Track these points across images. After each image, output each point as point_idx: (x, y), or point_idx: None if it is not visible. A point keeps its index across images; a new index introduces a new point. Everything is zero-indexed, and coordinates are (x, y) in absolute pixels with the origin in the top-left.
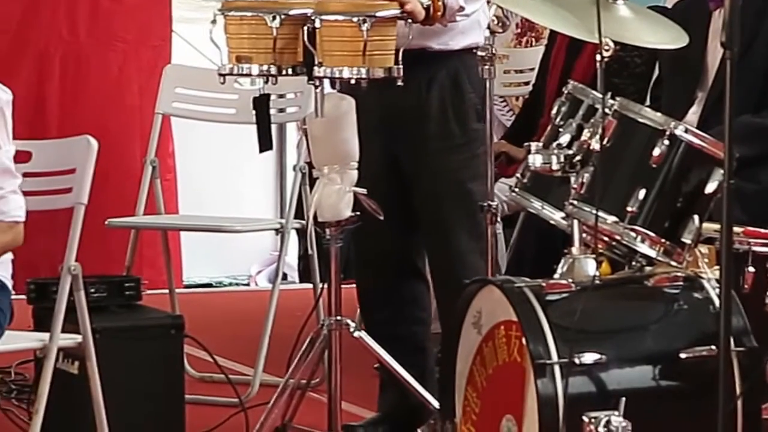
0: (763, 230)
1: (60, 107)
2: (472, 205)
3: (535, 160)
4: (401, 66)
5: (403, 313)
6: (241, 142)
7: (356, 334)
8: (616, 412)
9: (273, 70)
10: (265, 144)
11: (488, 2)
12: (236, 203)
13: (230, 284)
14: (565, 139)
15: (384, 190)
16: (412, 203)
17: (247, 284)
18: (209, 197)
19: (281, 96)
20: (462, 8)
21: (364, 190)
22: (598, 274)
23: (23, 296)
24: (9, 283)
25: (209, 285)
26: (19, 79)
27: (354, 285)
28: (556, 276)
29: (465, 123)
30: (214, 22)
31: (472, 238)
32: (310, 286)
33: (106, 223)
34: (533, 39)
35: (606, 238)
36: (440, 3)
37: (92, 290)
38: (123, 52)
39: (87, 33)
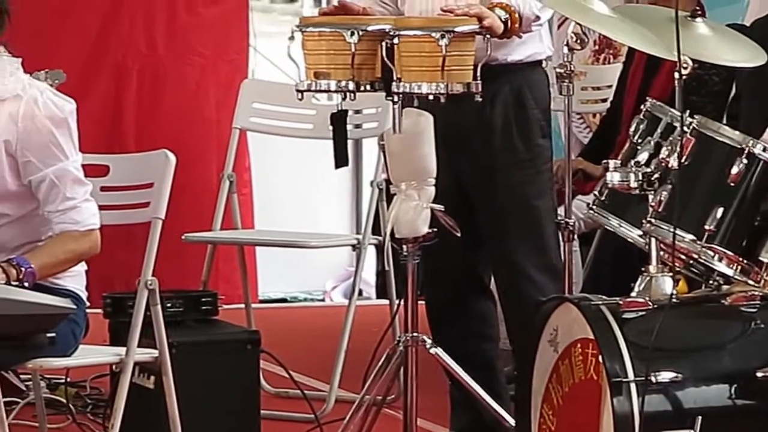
0: None
1: (137, 121)
2: (537, 221)
3: (613, 178)
4: (479, 81)
5: (471, 330)
6: (316, 157)
7: (432, 350)
8: (692, 431)
9: (351, 86)
10: (341, 160)
11: (566, 19)
12: (310, 218)
13: (305, 299)
14: (643, 156)
15: (451, 206)
16: (477, 219)
17: (322, 299)
18: (283, 212)
19: (357, 112)
20: (538, 17)
21: (441, 207)
22: (675, 292)
23: (99, 310)
24: (84, 296)
25: (284, 300)
26: (97, 92)
27: None
28: (633, 294)
29: (529, 139)
30: (291, 38)
31: (537, 254)
32: (386, 302)
33: (182, 237)
34: (611, 56)
35: (683, 257)
36: (517, 15)
37: (169, 305)
38: (200, 66)
39: (165, 46)
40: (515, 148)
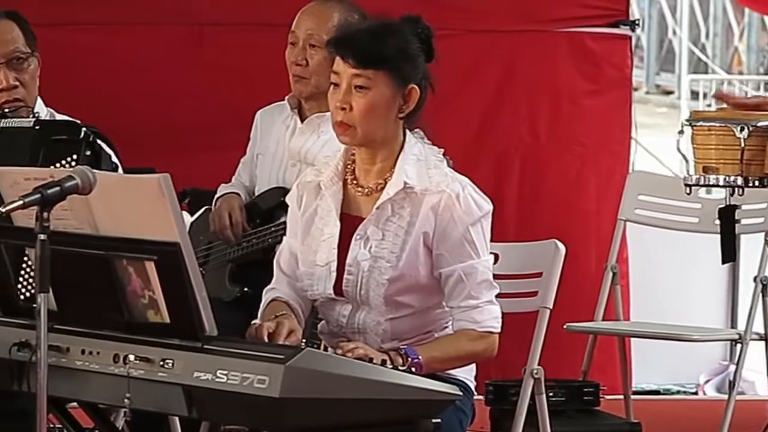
0: None
1: (518, 209)
2: None
3: None
4: None
5: None
6: (686, 248)
7: None
8: None
9: (739, 181)
10: (728, 255)
11: None
12: (682, 310)
13: (677, 392)
14: None
15: None
16: None
17: (695, 393)
18: (654, 302)
19: (737, 206)
20: None
21: None
22: None
23: (480, 396)
24: (472, 386)
25: (656, 392)
26: (478, 179)
27: None
28: None
29: None
30: (681, 132)
31: None
32: (763, 397)
33: (564, 327)
34: None
35: None
36: None
37: (551, 394)
38: (581, 156)
39: (546, 136)
40: None
